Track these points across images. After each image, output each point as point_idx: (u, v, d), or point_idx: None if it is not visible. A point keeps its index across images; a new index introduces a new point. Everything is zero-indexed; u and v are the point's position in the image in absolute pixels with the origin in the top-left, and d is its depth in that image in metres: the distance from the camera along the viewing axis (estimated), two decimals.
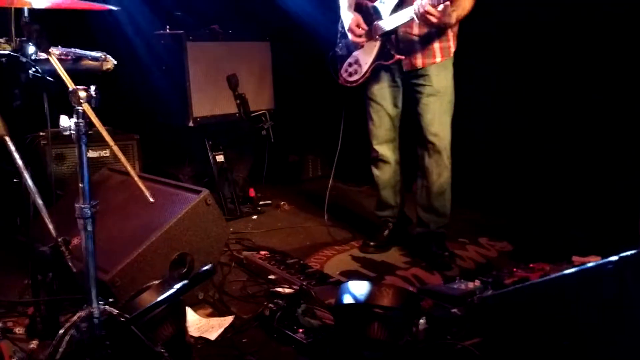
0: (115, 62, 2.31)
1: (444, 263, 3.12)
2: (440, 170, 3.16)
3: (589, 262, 2.19)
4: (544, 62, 3.78)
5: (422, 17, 2.77)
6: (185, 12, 4.23)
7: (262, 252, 3.20)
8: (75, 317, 1.87)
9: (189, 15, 4.23)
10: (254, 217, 4.07)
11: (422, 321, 2.23)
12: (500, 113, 3.94)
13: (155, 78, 4.17)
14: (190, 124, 3.94)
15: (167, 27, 4.08)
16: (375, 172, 3.40)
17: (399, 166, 3.39)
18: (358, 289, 2.17)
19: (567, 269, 2.08)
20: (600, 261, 1.79)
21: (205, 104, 4.00)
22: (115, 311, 1.93)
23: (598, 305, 1.80)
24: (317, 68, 4.59)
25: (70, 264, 2.10)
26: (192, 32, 3.95)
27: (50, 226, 2.19)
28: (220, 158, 4.13)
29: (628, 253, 1.69)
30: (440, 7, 2.74)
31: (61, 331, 1.87)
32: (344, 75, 3.30)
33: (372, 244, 3.39)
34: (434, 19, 2.77)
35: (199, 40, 3.97)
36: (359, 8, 3.19)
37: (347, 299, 2.16)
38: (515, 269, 2.62)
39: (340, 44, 3.35)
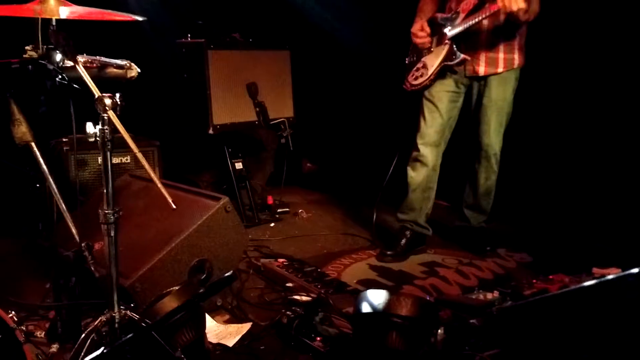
0: (139, 70, 2.34)
1: (484, 254, 3.39)
2: (488, 174, 3.36)
3: (609, 274, 2.18)
4: (566, 70, 3.77)
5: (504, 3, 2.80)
6: (207, 21, 4.27)
7: (280, 260, 3.21)
8: (96, 322, 1.90)
9: (210, 24, 4.27)
10: (272, 224, 4.09)
11: (440, 331, 2.22)
12: (519, 122, 3.92)
13: (176, 85, 4.21)
14: (211, 131, 3.97)
15: (189, 35, 4.12)
16: (411, 172, 3.42)
17: (435, 173, 3.42)
18: (376, 298, 2.16)
19: (587, 280, 2.06)
20: (621, 273, 1.77)
21: (225, 112, 4.04)
22: (136, 316, 1.95)
23: (618, 318, 1.79)
24: (338, 77, 4.62)
25: (92, 269, 2.13)
26: (213, 40, 3.99)
27: (74, 231, 2.22)
28: (239, 165, 4.15)
29: None
30: None
31: (83, 335, 1.90)
32: (410, 79, 3.37)
33: (389, 252, 3.39)
34: (514, 7, 2.78)
35: (220, 49, 4.00)
36: (432, 21, 3.31)
37: (365, 308, 2.16)
38: (534, 280, 2.60)
39: (410, 54, 3.46)
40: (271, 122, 4.10)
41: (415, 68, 3.37)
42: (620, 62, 3.52)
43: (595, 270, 2.62)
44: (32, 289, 2.76)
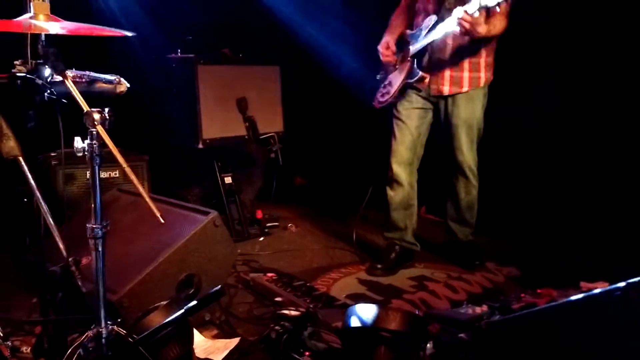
0: (129, 85, 2.34)
1: (473, 268, 3.38)
2: (468, 189, 3.37)
3: (597, 288, 2.19)
4: (553, 87, 3.80)
5: (460, 24, 2.88)
6: (196, 36, 4.29)
7: (269, 274, 3.21)
8: (83, 337, 1.88)
9: (200, 39, 4.29)
10: (261, 238, 4.08)
11: (429, 346, 2.22)
12: (505, 137, 3.96)
13: (166, 100, 4.22)
14: (200, 145, 3.98)
15: (179, 50, 4.14)
16: (389, 192, 3.44)
17: (413, 190, 3.43)
18: (365, 312, 2.17)
19: (574, 294, 2.07)
20: (608, 287, 1.78)
21: (214, 126, 4.04)
22: (123, 332, 1.93)
23: (605, 332, 1.80)
24: (326, 92, 4.64)
25: (79, 283, 2.11)
26: (202, 55, 4.01)
27: (61, 246, 2.21)
28: (228, 180, 4.15)
29: (636, 279, 1.68)
30: (476, 14, 2.83)
31: (69, 351, 1.88)
32: (378, 96, 3.43)
33: (379, 266, 3.39)
34: (466, 25, 2.86)
35: (210, 64, 4.02)
36: (401, 37, 3.35)
37: (354, 322, 2.16)
38: (522, 295, 2.61)
39: (379, 73, 3.50)
40: (261, 137, 4.11)
41: (382, 85, 3.43)
42: (606, 73, 3.55)
43: (582, 284, 2.64)
44: (19, 304, 2.73)
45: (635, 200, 3.36)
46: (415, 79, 3.20)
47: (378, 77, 3.49)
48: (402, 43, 3.33)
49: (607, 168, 3.59)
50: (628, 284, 1.69)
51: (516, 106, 3.85)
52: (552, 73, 3.78)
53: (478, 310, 2.49)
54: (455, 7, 2.94)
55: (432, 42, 3.12)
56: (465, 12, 2.82)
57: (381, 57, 3.37)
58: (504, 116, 3.55)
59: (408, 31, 3.30)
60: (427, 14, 3.17)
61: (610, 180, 3.57)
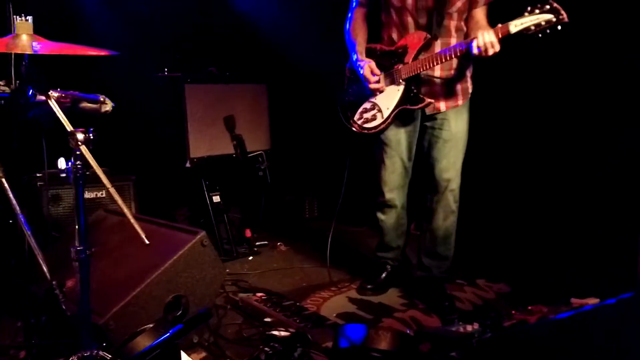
0: (114, 105, 2.33)
1: (444, 312, 3.04)
2: (446, 214, 3.12)
3: (588, 304, 2.18)
4: (541, 102, 3.83)
5: (484, 47, 2.63)
6: (183, 55, 4.29)
7: (258, 294, 3.17)
8: None
9: (187, 58, 4.29)
10: (250, 257, 4.05)
11: None
12: (494, 151, 3.97)
13: (153, 119, 4.20)
14: (188, 164, 3.96)
15: (165, 69, 4.13)
16: (381, 216, 3.33)
17: (404, 210, 3.32)
18: (355, 332, 2.14)
19: (565, 311, 2.06)
20: (599, 303, 1.78)
21: (202, 145, 4.04)
22: (109, 356, 1.90)
23: (597, 348, 1.79)
24: (313, 110, 4.64)
25: (63, 307, 2.08)
26: (190, 74, 4.00)
27: (45, 268, 2.17)
28: (216, 198, 4.13)
29: (626, 295, 1.68)
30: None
31: None
32: (359, 122, 3.16)
33: (369, 286, 3.35)
34: (491, 52, 2.64)
35: (197, 83, 4.02)
36: (371, 52, 3.12)
37: (344, 343, 2.14)
38: (513, 311, 2.59)
39: (350, 90, 3.23)
40: (249, 155, 4.10)
41: (362, 108, 3.15)
42: (588, 82, 3.58)
43: (573, 300, 2.62)
44: (3, 328, 2.68)
45: (626, 217, 3.36)
46: (420, 106, 2.96)
47: (350, 97, 3.21)
48: (374, 58, 3.07)
49: (597, 183, 3.60)
50: (619, 300, 1.69)
51: (502, 119, 3.87)
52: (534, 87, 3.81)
53: (469, 327, 2.45)
54: (442, 20, 2.85)
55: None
56: (492, 43, 2.61)
57: (368, 85, 3.03)
58: (486, 130, 3.53)
59: (379, 46, 3.09)
60: (404, 28, 2.97)
61: (601, 196, 3.58)
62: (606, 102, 3.52)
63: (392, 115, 3.04)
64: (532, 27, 2.50)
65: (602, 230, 3.50)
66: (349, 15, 3.22)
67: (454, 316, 2.96)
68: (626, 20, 3.28)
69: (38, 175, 3.48)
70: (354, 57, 3.13)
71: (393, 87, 3.03)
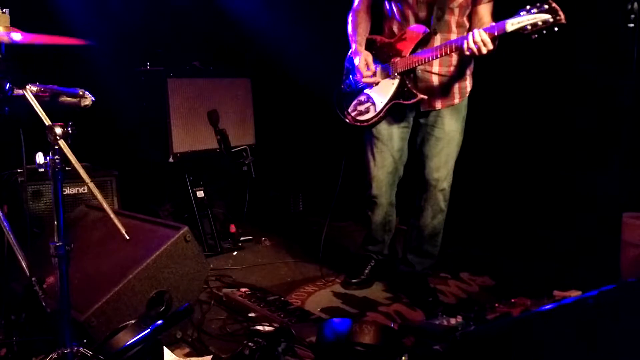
0: (94, 99, 2.30)
1: (427, 307, 3.02)
2: (435, 212, 3.10)
3: (570, 296, 2.19)
4: (526, 95, 3.84)
5: (475, 45, 2.57)
6: (166, 49, 4.25)
7: (243, 289, 3.15)
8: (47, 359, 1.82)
9: (170, 52, 4.25)
10: (235, 253, 4.03)
11: (404, 358, 2.20)
12: (477, 146, 3.98)
13: (135, 114, 4.16)
14: (171, 159, 3.93)
15: (148, 63, 4.09)
16: (369, 213, 3.29)
17: (392, 207, 3.29)
18: (339, 327, 2.14)
19: (548, 304, 2.07)
20: (581, 296, 1.79)
21: (185, 140, 4.01)
22: (90, 352, 1.88)
23: (579, 340, 1.80)
24: (298, 105, 4.62)
25: (43, 303, 2.05)
26: (172, 68, 3.97)
27: (24, 265, 2.15)
28: (200, 194, 4.10)
29: (608, 288, 1.69)
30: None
31: None
32: (353, 114, 3.12)
33: (354, 280, 3.34)
34: (484, 50, 2.58)
35: (180, 77, 3.98)
36: (370, 44, 3.09)
37: (328, 337, 2.13)
38: (497, 304, 2.60)
39: (347, 81, 3.19)
40: (233, 150, 4.07)
41: (357, 101, 3.11)
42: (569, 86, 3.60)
43: (556, 293, 2.65)
44: None
45: (608, 210, 3.38)
46: (413, 101, 2.90)
47: (346, 88, 3.18)
48: (373, 49, 3.05)
49: (580, 177, 3.63)
50: (600, 292, 1.70)
51: (488, 113, 3.88)
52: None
53: (452, 321, 2.47)
54: (443, 14, 2.80)
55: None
56: (484, 41, 2.55)
57: (361, 79, 3.01)
58: (482, 122, 3.53)
59: (379, 38, 3.06)
60: (405, 21, 2.94)
61: (583, 190, 3.61)
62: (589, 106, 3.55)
63: (385, 109, 3.00)
64: (529, 27, 2.44)
65: (584, 223, 3.52)
66: (354, 4, 3.17)
67: (438, 310, 2.92)
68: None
69: (19, 171, 3.45)
70: (353, 47, 3.10)
71: (388, 81, 2.99)
